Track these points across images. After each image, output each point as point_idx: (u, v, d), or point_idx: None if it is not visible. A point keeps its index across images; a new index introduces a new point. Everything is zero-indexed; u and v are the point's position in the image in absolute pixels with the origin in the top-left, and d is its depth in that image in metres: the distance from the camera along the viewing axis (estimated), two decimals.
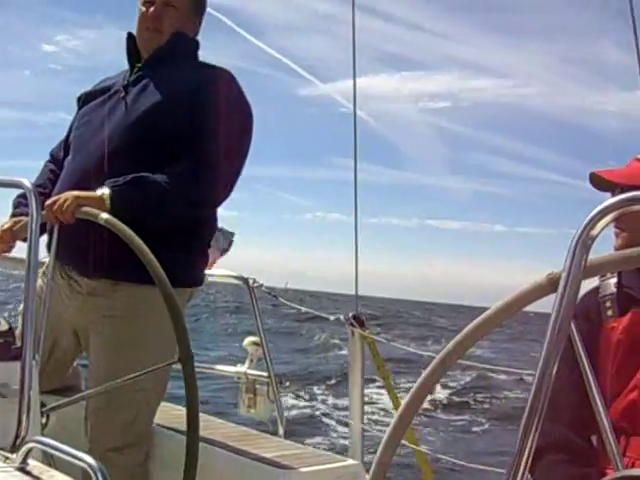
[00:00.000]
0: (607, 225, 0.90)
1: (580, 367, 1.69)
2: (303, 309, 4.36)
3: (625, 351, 1.67)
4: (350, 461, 3.01)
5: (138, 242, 1.90)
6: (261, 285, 3.76)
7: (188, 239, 2.46)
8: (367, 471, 3.36)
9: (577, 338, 1.11)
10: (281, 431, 3.53)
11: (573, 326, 1.11)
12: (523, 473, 0.86)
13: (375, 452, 1.13)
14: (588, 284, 1.81)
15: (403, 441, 3.60)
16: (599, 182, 1.82)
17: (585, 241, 0.89)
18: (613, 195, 1.73)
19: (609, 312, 1.75)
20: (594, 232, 0.89)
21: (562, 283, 0.88)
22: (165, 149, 2.38)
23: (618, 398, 1.65)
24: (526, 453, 0.85)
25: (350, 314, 3.36)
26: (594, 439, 1.73)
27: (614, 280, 1.78)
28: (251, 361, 3.76)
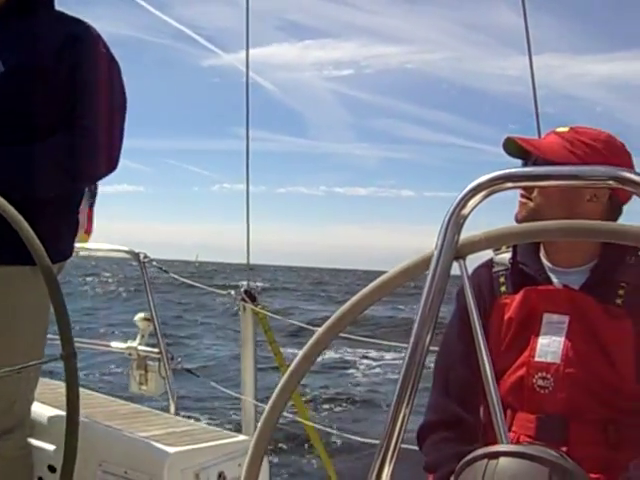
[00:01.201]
0: (479, 204, 0.90)
1: (473, 342, 1.73)
2: (196, 284, 4.28)
3: (516, 328, 1.68)
4: (241, 437, 3.00)
5: (20, 221, 1.73)
6: (151, 260, 3.69)
7: (57, 212, 2.31)
8: None
9: (475, 312, 1.13)
10: (172, 408, 3.49)
11: (471, 300, 1.12)
12: (395, 446, 0.85)
13: None
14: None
15: (298, 418, 3.63)
16: (513, 149, 1.75)
17: (457, 220, 0.89)
18: (524, 165, 1.72)
19: (503, 288, 1.74)
20: (465, 211, 0.89)
21: (433, 262, 0.88)
22: (36, 118, 2.21)
23: (506, 374, 1.66)
24: (397, 428, 0.85)
25: (241, 289, 3.33)
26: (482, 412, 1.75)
27: (509, 255, 1.77)
28: (142, 337, 3.70)
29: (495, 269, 1.78)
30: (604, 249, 1.69)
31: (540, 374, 1.61)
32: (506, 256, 1.78)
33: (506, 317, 1.69)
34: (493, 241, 1.08)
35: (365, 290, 1.13)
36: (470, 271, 1.03)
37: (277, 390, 1.16)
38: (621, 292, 1.62)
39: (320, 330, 1.14)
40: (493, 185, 0.88)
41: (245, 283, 3.41)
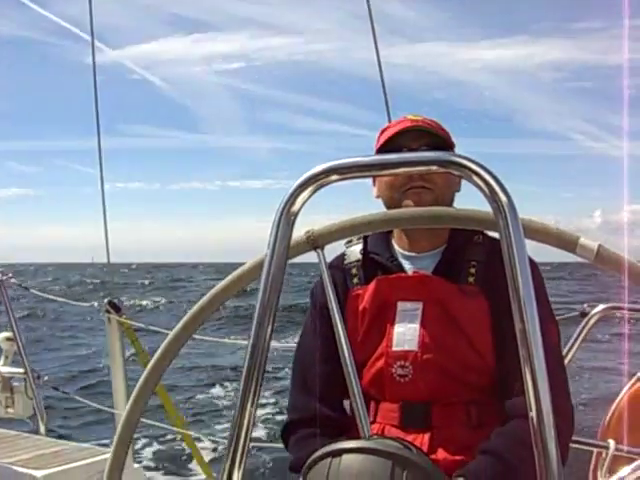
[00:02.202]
0: (309, 198, 0.90)
1: (330, 337, 1.72)
2: (58, 299, 4.12)
3: (371, 319, 1.68)
4: None
5: None
6: (10, 277, 3.53)
7: None
8: (134, 459, 3.29)
9: (333, 299, 1.13)
10: (42, 429, 3.35)
11: (330, 288, 1.13)
12: (244, 446, 0.85)
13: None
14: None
15: (175, 428, 3.56)
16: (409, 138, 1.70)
17: (287, 217, 0.89)
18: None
19: (355, 279, 1.73)
20: (295, 208, 0.89)
21: (266, 261, 0.88)
22: None
23: (367, 366, 1.66)
24: (245, 427, 0.84)
25: (105, 300, 3.22)
26: (347, 405, 1.74)
27: (360, 247, 1.76)
28: (6, 357, 3.54)
29: (346, 261, 1.77)
30: (453, 231, 1.72)
31: (399, 363, 1.62)
32: (357, 248, 1.77)
33: (360, 308, 1.68)
34: (351, 229, 1.10)
35: (219, 286, 1.13)
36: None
37: (138, 386, 1.13)
38: (472, 270, 1.65)
39: (176, 327, 1.13)
40: (319, 180, 0.88)
41: (107, 294, 3.30)
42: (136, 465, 3.10)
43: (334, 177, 0.89)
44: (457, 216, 1.03)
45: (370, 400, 1.66)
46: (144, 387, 1.12)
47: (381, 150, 1.74)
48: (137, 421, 1.16)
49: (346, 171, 0.89)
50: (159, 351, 1.11)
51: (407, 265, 1.72)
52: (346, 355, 1.04)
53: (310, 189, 0.89)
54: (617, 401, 2.14)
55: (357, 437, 0.94)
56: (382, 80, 3.21)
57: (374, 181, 1.81)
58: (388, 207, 1.72)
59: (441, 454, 1.55)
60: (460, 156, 0.84)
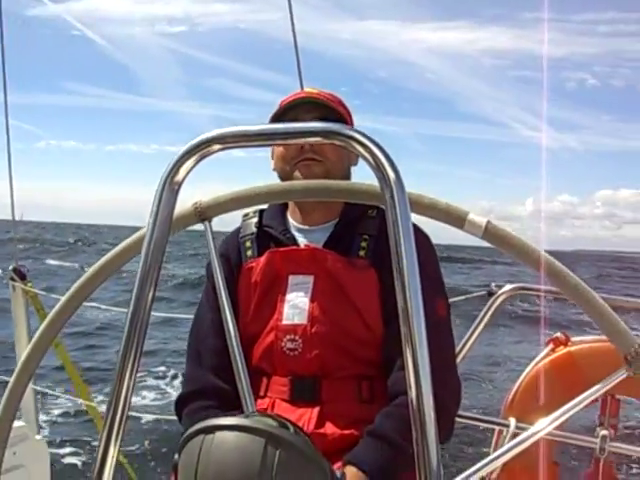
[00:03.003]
0: (192, 168, 0.88)
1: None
2: None
3: (262, 292, 1.67)
4: (19, 423, 2.84)
5: None
6: None
7: None
8: (39, 431, 3.22)
9: (219, 273, 1.12)
10: None
11: (216, 261, 1.11)
12: (121, 419, 0.83)
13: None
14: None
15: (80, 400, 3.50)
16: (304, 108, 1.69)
17: (171, 187, 0.87)
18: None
19: (249, 252, 1.72)
20: (179, 177, 0.87)
21: (149, 229, 0.86)
22: None
23: (258, 339, 1.66)
24: (122, 399, 0.83)
25: (10, 267, 3.11)
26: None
27: (256, 220, 1.76)
28: None
29: (241, 234, 1.76)
30: (347, 205, 1.73)
31: (288, 336, 1.62)
32: (253, 221, 1.76)
33: (252, 281, 1.68)
34: (239, 202, 1.08)
35: (101, 261, 1.11)
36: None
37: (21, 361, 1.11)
38: (364, 244, 1.65)
39: (63, 299, 1.10)
40: (202, 149, 0.86)
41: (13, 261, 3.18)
42: (38, 437, 3.02)
43: (217, 146, 0.87)
44: (347, 189, 1.03)
45: (262, 374, 1.66)
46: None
47: (274, 121, 1.72)
48: (41, 357, 1.13)
49: (230, 140, 0.86)
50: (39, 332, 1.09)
51: (300, 238, 1.72)
52: (231, 330, 1.02)
53: (194, 158, 0.87)
54: (520, 379, 2.20)
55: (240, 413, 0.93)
56: (296, 47, 3.18)
57: (272, 154, 1.79)
58: (281, 179, 1.72)
59: (330, 428, 1.56)
60: (347, 127, 0.83)
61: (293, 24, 3.04)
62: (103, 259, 1.11)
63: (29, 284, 3.11)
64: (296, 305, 1.63)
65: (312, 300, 1.62)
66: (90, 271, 1.10)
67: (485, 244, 0.98)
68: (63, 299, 1.08)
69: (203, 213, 1.07)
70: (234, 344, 1.06)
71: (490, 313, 2.25)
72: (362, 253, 1.65)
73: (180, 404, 1.70)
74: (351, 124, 1.78)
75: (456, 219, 0.97)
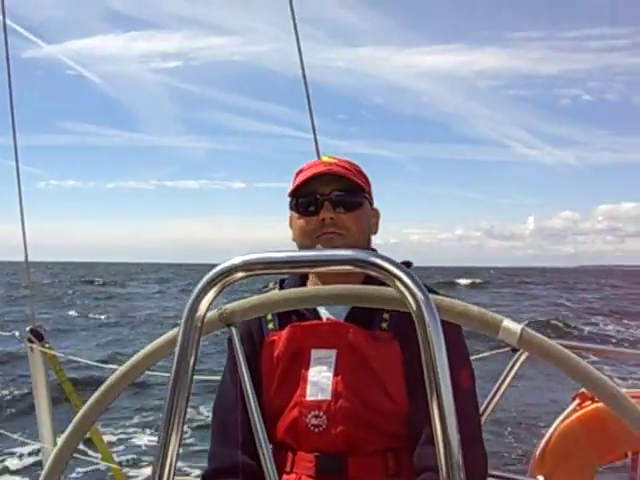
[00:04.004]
0: (215, 298, 0.86)
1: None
2: None
3: (284, 366, 1.65)
4: None
5: None
6: None
7: None
8: None
9: (245, 372, 1.10)
10: None
11: (238, 344, 1.10)
12: None
13: None
14: None
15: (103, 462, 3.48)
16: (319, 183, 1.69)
17: (194, 323, 0.85)
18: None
19: (270, 325, 1.71)
20: (200, 313, 0.85)
21: (174, 370, 0.84)
22: None
23: (282, 414, 1.64)
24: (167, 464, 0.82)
25: (27, 328, 3.09)
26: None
27: (276, 291, 1.73)
28: None
29: None
30: (367, 277, 1.71)
31: (313, 413, 1.60)
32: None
33: (275, 355, 1.67)
34: (262, 307, 1.07)
35: (132, 360, 1.09)
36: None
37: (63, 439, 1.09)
38: (386, 316, 1.63)
39: (89, 401, 1.09)
40: (224, 278, 0.84)
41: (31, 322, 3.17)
42: None
43: (241, 274, 0.85)
44: (378, 296, 1.02)
45: (287, 449, 1.65)
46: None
47: (294, 194, 1.73)
48: (69, 456, 1.11)
49: (256, 268, 0.85)
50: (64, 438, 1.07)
51: (322, 310, 1.70)
52: (253, 408, 1.01)
53: (216, 289, 0.85)
54: (547, 435, 2.17)
55: None
56: (305, 82, 3.18)
57: (290, 223, 1.79)
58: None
59: None
60: (372, 255, 0.82)
61: (302, 61, 3.06)
62: (126, 365, 1.09)
63: (47, 345, 3.09)
64: (319, 380, 1.61)
65: (335, 375, 1.60)
66: (115, 375, 1.08)
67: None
68: (89, 401, 1.06)
69: (228, 319, 1.06)
70: (257, 423, 1.04)
71: (514, 370, 2.21)
72: (384, 325, 1.63)
73: None
74: (369, 192, 1.77)
75: (491, 326, 0.95)
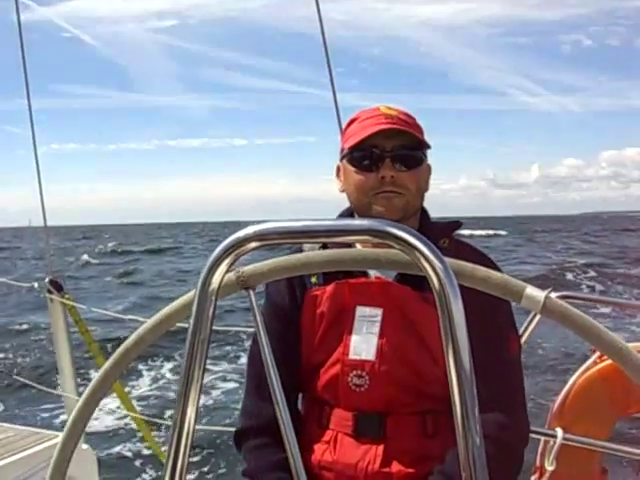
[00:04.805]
0: (228, 271, 0.84)
1: (285, 339, 1.67)
2: None
3: (328, 323, 1.62)
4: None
5: None
6: None
7: None
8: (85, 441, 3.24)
9: (264, 337, 1.09)
10: None
11: (264, 336, 1.09)
12: (185, 450, 0.82)
13: None
14: None
15: (123, 410, 3.53)
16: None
17: (208, 296, 0.84)
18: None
19: (313, 279, 1.67)
20: (213, 287, 0.84)
21: (189, 340, 0.83)
22: None
23: (322, 370, 1.62)
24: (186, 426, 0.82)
25: (46, 279, 3.10)
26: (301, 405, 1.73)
27: (319, 245, 1.64)
28: None
29: None
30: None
31: (355, 372, 1.58)
32: (316, 246, 1.65)
33: (318, 311, 1.63)
34: (282, 270, 1.05)
35: (148, 324, 1.08)
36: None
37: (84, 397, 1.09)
38: None
39: (106, 365, 1.08)
40: (238, 248, 0.82)
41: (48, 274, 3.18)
42: (85, 446, 3.05)
43: (255, 244, 0.83)
44: (399, 261, 1.00)
45: (324, 405, 1.64)
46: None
47: (353, 146, 1.65)
48: (89, 417, 1.11)
49: (271, 237, 0.82)
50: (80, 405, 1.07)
51: (370, 269, 1.64)
52: (268, 361, 1.00)
53: (228, 260, 0.83)
54: (566, 388, 2.16)
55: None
56: (323, 35, 3.09)
57: (338, 173, 1.74)
58: (355, 208, 1.67)
59: (395, 467, 1.55)
60: (389, 225, 0.80)
61: (320, 18, 2.97)
62: (143, 328, 1.08)
63: (66, 296, 3.10)
64: (363, 340, 1.58)
65: (381, 335, 1.57)
66: (130, 340, 1.07)
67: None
68: (105, 366, 1.05)
69: (245, 282, 1.04)
70: (274, 382, 1.03)
71: (531, 328, 2.19)
72: None
73: (239, 438, 1.68)
74: (427, 146, 1.68)
75: (513, 293, 0.93)
